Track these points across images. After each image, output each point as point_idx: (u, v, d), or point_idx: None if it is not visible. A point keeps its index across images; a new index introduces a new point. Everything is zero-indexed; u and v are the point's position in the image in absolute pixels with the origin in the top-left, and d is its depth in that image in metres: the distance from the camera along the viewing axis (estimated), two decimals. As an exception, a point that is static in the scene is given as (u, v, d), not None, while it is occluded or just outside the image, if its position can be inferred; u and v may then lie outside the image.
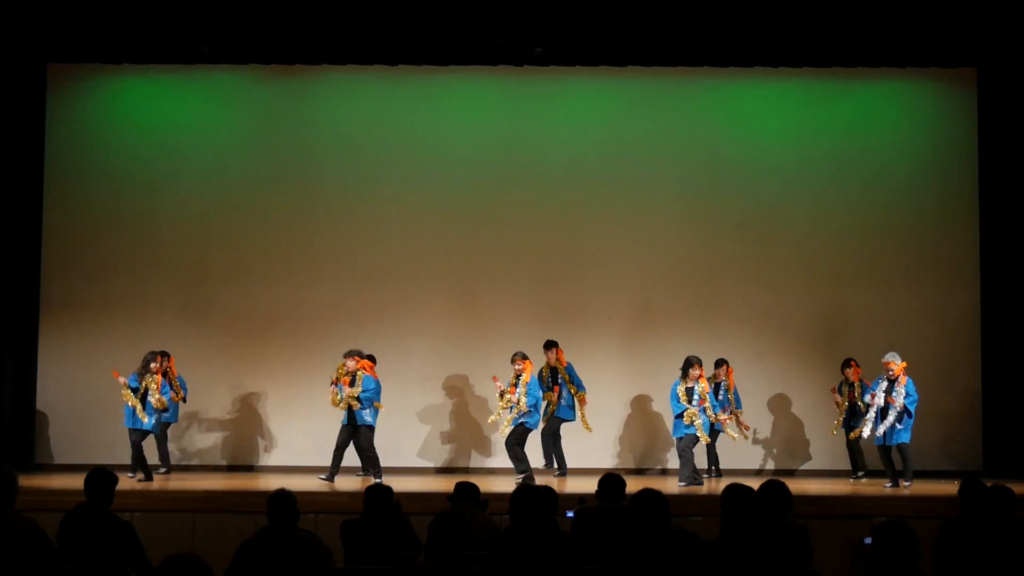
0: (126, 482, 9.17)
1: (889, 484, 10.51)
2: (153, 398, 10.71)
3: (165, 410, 11.00)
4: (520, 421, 10.77)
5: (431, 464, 12.23)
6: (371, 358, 11.19)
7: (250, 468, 12.16)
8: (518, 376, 10.79)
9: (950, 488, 7.46)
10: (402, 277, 12.49)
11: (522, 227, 12.57)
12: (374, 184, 12.58)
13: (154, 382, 10.76)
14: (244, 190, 12.61)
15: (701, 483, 10.54)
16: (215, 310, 12.40)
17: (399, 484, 8.23)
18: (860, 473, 11.43)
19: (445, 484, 8.30)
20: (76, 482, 6.20)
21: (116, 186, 12.52)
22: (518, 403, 10.70)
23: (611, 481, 6.49)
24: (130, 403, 10.72)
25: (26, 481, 7.08)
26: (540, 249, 12.54)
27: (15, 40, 11.71)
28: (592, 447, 11.97)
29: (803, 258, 12.56)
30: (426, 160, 12.59)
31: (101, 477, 5.73)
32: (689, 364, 10.64)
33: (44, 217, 12.38)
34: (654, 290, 12.53)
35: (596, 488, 6.50)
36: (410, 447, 12.26)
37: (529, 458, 10.84)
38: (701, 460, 11.18)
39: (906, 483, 10.45)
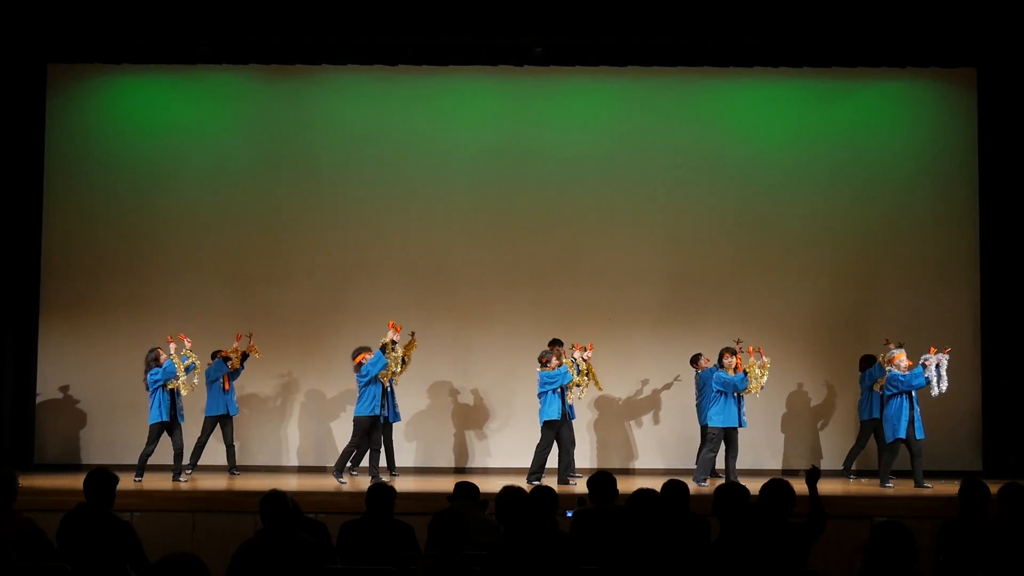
0: (126, 482, 9.12)
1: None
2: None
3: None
4: None
5: (431, 464, 12.22)
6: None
7: (249, 468, 12.15)
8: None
9: (950, 488, 7.46)
10: (402, 276, 12.49)
11: (522, 227, 12.57)
12: (374, 184, 12.58)
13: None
14: (244, 190, 12.62)
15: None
16: (215, 310, 12.38)
17: (400, 484, 8.23)
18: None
19: (445, 484, 8.30)
20: (76, 482, 6.19)
21: (116, 186, 12.52)
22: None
23: (601, 481, 6.45)
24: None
25: (26, 481, 7.09)
26: (539, 249, 12.54)
27: (15, 40, 11.72)
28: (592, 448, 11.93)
29: (803, 258, 12.56)
30: (426, 159, 12.59)
31: (101, 477, 5.72)
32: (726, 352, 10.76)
33: (44, 217, 12.38)
34: (653, 289, 12.52)
35: (587, 489, 6.47)
36: (410, 447, 12.26)
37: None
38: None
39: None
